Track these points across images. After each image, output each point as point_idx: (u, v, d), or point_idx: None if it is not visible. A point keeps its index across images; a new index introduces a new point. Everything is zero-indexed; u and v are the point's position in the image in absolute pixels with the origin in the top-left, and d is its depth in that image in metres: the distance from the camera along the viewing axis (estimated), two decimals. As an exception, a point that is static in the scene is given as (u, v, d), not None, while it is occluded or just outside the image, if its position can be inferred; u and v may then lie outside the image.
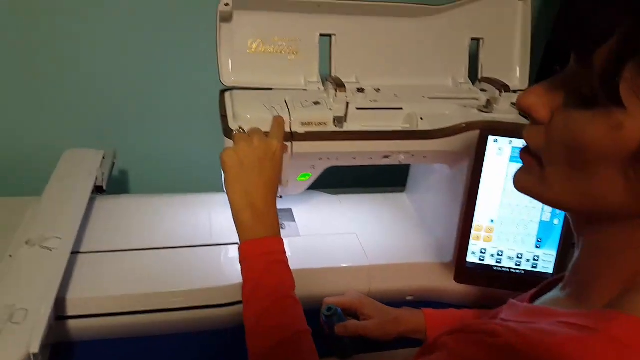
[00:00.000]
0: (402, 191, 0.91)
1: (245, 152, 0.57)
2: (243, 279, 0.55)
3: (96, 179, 0.77)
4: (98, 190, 0.78)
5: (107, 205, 0.78)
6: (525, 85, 0.81)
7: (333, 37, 0.74)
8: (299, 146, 0.64)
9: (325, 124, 0.66)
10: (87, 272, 0.64)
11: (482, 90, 0.78)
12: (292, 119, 0.64)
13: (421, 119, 0.69)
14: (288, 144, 0.64)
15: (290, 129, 0.64)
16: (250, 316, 0.53)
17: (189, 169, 1.03)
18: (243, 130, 0.62)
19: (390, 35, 0.76)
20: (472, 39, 0.79)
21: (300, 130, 0.64)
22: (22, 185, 0.95)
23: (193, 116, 0.99)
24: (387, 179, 0.99)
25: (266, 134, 0.61)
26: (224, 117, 0.66)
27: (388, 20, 0.75)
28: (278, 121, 0.62)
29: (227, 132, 0.63)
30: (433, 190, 0.81)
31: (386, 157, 0.69)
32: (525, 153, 0.38)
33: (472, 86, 0.79)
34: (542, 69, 0.91)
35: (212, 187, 0.96)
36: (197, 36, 0.91)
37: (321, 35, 0.74)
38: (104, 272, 0.65)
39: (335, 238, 0.75)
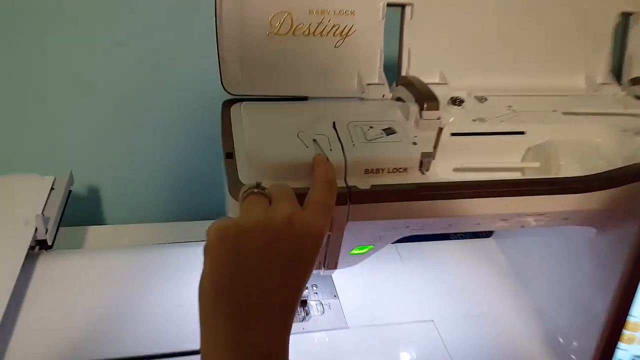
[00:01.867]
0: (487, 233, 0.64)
1: (258, 238, 0.29)
2: None
3: (36, 229, 0.50)
4: (41, 245, 0.52)
5: (54, 270, 0.51)
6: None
7: (407, 9, 0.45)
8: (360, 210, 0.37)
9: (405, 170, 0.38)
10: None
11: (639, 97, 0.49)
12: (348, 161, 0.37)
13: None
14: (342, 207, 0.36)
15: (346, 183, 0.37)
16: None
17: (164, 194, 0.76)
18: (262, 188, 0.33)
19: (492, 8, 0.47)
20: (622, 14, 0.50)
21: (363, 183, 0.37)
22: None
23: (172, 124, 0.70)
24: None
25: (300, 198, 0.33)
26: (229, 157, 0.38)
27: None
28: (327, 178, 0.34)
29: (233, 192, 0.35)
30: (552, 253, 0.53)
31: (503, 220, 0.41)
32: None
33: (620, 90, 0.50)
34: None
35: (189, 214, 0.73)
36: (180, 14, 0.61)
37: (388, 5, 0.45)
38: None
39: (404, 331, 0.49)
